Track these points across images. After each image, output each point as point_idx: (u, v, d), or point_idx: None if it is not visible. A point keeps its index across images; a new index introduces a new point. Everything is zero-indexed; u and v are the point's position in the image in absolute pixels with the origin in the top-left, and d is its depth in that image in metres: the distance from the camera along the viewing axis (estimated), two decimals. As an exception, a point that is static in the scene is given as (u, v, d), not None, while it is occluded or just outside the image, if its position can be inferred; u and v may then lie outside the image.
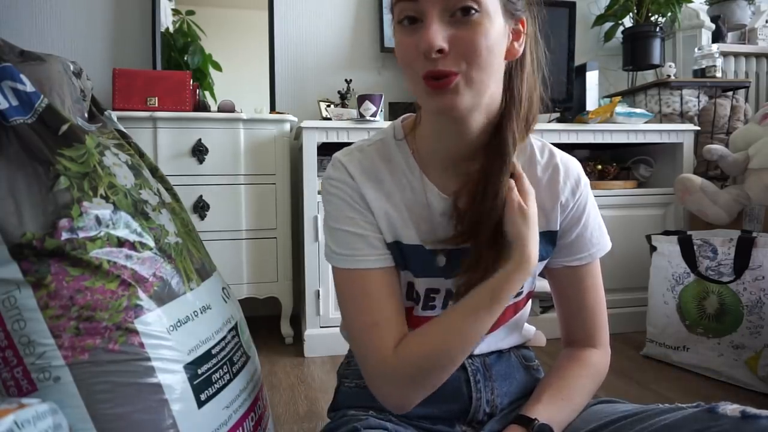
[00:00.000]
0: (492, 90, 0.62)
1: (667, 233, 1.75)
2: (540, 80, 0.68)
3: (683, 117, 2.19)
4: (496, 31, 0.59)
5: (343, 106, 2.01)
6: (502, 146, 0.63)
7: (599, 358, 0.73)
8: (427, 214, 0.68)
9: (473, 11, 0.57)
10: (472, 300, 0.61)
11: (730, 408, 0.52)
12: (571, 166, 0.73)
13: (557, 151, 0.74)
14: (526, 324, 0.80)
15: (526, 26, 0.64)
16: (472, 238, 0.64)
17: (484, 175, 0.63)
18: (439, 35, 0.56)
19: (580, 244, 0.72)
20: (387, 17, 2.26)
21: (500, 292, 0.61)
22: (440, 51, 0.56)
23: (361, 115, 1.79)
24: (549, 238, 0.71)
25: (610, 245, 0.74)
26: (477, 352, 0.72)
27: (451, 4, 0.57)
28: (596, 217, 0.75)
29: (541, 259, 0.69)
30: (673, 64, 2.26)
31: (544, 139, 0.75)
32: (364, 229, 0.67)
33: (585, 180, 0.74)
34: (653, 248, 1.75)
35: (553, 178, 0.71)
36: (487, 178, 0.63)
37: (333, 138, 1.76)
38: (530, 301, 0.78)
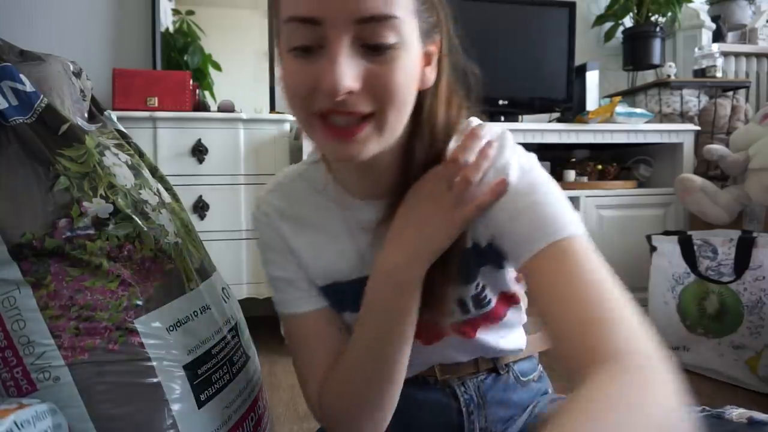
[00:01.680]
0: (401, 128, 0.53)
1: (667, 233, 1.75)
2: (462, 79, 0.59)
3: (683, 117, 2.19)
4: (413, 63, 0.50)
5: (343, 106, 2.01)
6: (413, 170, 0.56)
7: (615, 378, 0.40)
8: (356, 242, 0.61)
9: (388, 48, 0.46)
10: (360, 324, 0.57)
11: (737, 414, 0.50)
12: (502, 156, 0.56)
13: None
14: (524, 331, 0.73)
15: (441, 45, 0.55)
16: None
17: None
18: (348, 73, 0.45)
19: (526, 229, 0.52)
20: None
21: (367, 312, 0.56)
22: (349, 92, 0.46)
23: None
24: (480, 252, 0.58)
25: (577, 227, 0.51)
26: (470, 372, 0.68)
27: (365, 34, 0.46)
28: (545, 195, 0.53)
29: (467, 281, 0.59)
30: (673, 64, 2.26)
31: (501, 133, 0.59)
32: (286, 271, 0.63)
33: (518, 162, 0.55)
34: (653, 248, 1.74)
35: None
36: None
37: (333, 138, 1.76)
38: (521, 306, 0.70)
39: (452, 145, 0.57)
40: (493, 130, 0.58)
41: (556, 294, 0.48)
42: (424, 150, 0.56)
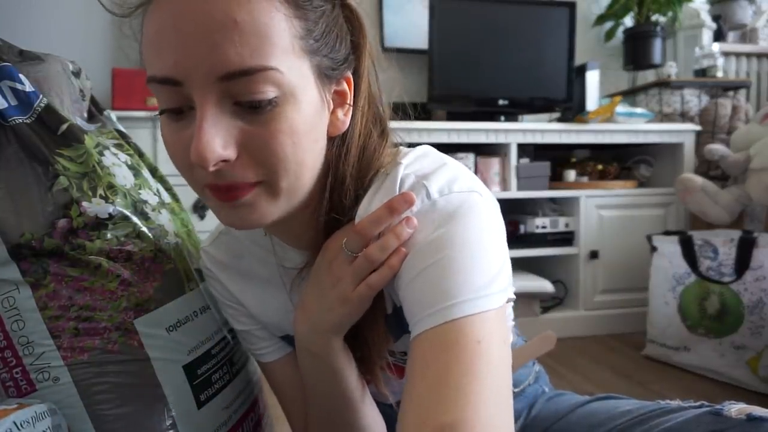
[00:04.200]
0: (306, 187, 0.46)
1: (667, 233, 1.75)
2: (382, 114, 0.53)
3: (684, 117, 2.19)
4: (306, 115, 0.42)
5: (344, 106, 2.01)
6: (329, 227, 0.50)
7: None
8: (291, 296, 0.58)
9: (267, 105, 0.39)
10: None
11: (735, 410, 0.50)
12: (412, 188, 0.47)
13: (406, 181, 0.48)
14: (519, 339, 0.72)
15: (354, 81, 0.48)
16: None
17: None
18: (217, 140, 0.39)
19: (417, 299, 0.43)
20: (387, 17, 2.26)
21: (302, 368, 0.55)
22: (224, 160, 0.40)
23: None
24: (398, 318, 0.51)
25: (484, 302, 0.41)
26: None
27: (235, 92, 0.39)
28: (460, 249, 0.42)
29: (402, 335, 0.54)
30: (673, 64, 2.26)
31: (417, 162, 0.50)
32: (243, 324, 0.63)
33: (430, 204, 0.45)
34: (654, 248, 1.74)
35: None
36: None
37: (333, 138, 1.76)
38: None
39: (368, 203, 0.48)
40: (416, 157, 0.50)
41: (414, 388, 0.39)
42: (334, 208, 0.49)
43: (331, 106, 0.46)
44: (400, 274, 0.45)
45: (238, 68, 0.38)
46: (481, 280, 0.41)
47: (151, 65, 0.41)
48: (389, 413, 0.60)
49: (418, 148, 0.53)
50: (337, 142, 0.48)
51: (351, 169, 0.48)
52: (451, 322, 0.39)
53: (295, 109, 0.41)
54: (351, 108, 0.48)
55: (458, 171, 0.48)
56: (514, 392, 0.69)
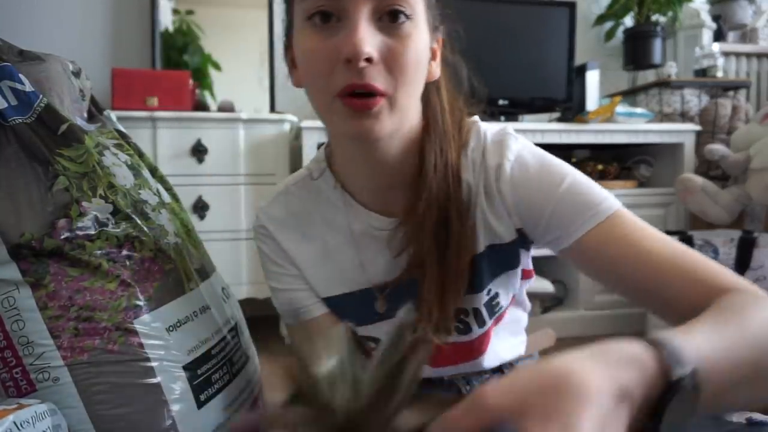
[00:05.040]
0: (412, 115, 0.54)
1: (668, 233, 1.75)
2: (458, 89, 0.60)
3: (684, 117, 2.19)
4: (424, 44, 0.51)
5: (344, 106, 2.01)
6: (426, 180, 0.54)
7: (744, 297, 0.43)
8: (359, 252, 0.60)
9: (404, 17, 0.48)
10: None
11: (736, 414, 0.50)
12: (497, 138, 0.57)
13: (488, 130, 0.59)
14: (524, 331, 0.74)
15: (443, 45, 0.57)
16: (421, 268, 0.55)
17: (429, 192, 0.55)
18: (369, 39, 0.47)
19: (572, 211, 0.53)
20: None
21: None
22: (368, 60, 0.47)
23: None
24: (500, 250, 0.58)
25: (612, 199, 0.53)
26: (476, 369, 0.67)
27: (384, 4, 0.48)
28: (565, 173, 0.55)
29: (479, 289, 0.58)
30: (673, 64, 2.26)
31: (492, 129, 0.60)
32: (288, 283, 0.64)
33: (514, 146, 0.56)
34: (654, 248, 1.74)
35: (485, 174, 0.57)
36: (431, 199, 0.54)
37: (333, 138, 1.76)
38: (524, 306, 0.71)
39: (465, 162, 0.56)
40: (494, 130, 0.59)
41: (634, 257, 0.49)
42: (433, 150, 0.55)
43: (429, 57, 0.54)
44: (532, 204, 0.54)
45: None
46: (600, 187, 0.55)
47: None
48: None
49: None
50: (432, 90, 0.57)
51: (445, 117, 0.57)
52: (616, 211, 0.52)
53: (418, 34, 0.50)
54: (440, 66, 0.57)
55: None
56: None
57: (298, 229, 0.63)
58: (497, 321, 0.66)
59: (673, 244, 0.50)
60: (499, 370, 0.69)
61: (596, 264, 0.53)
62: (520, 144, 0.57)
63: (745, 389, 0.36)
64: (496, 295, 0.62)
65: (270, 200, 0.66)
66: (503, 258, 0.60)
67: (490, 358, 0.67)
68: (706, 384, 0.31)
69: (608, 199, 0.53)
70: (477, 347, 0.64)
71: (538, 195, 0.54)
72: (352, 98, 0.48)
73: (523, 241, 0.59)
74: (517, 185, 0.55)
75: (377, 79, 0.48)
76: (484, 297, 0.61)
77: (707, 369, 0.32)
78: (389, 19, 0.48)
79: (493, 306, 0.62)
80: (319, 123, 1.90)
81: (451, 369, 0.66)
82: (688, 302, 0.45)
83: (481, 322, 0.62)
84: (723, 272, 0.46)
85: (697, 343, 0.33)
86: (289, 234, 0.63)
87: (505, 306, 0.65)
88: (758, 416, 0.49)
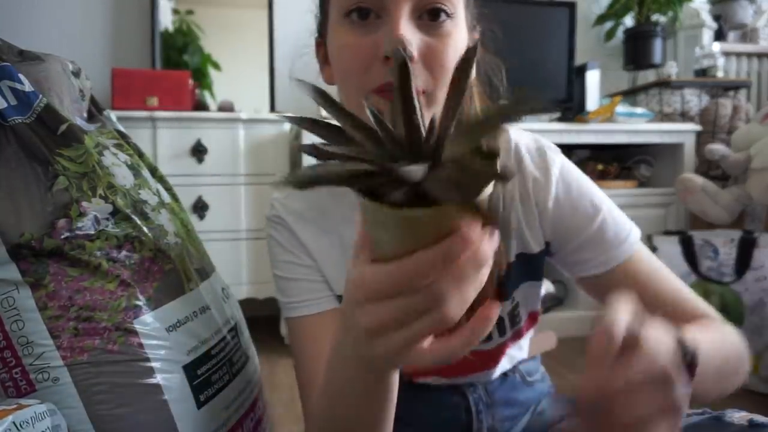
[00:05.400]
0: None
1: (668, 233, 1.75)
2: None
3: (684, 117, 2.18)
4: (463, 45, 0.50)
5: (344, 105, 2.01)
6: None
7: (713, 324, 0.58)
8: None
9: (445, 15, 0.48)
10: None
11: (738, 416, 0.50)
12: (535, 147, 0.61)
13: (521, 138, 0.62)
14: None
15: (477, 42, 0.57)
16: None
17: None
18: (410, 37, 0.46)
19: (592, 244, 0.58)
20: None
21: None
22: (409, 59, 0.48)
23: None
24: (528, 260, 0.60)
25: (635, 229, 0.60)
26: (483, 380, 0.67)
27: (425, 1, 0.47)
28: (600, 201, 0.59)
29: (505, 297, 0.59)
30: (674, 64, 2.26)
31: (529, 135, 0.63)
32: (297, 273, 0.62)
33: (557, 159, 0.60)
34: (654, 248, 1.74)
35: (521, 182, 0.59)
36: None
37: (333, 138, 1.76)
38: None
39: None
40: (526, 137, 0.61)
41: (654, 286, 0.59)
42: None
43: None
44: (568, 219, 0.58)
45: None
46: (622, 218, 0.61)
47: None
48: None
49: None
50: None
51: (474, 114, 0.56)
52: (639, 243, 0.59)
53: (458, 33, 0.49)
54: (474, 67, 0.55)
55: None
56: (527, 381, 0.71)
57: (316, 223, 0.62)
58: (515, 338, 0.66)
59: (674, 280, 0.61)
60: (503, 374, 0.69)
61: (611, 290, 0.56)
62: (560, 158, 0.60)
63: (713, 383, 0.49)
64: (518, 305, 0.63)
65: (287, 193, 0.65)
66: (530, 268, 0.61)
67: (498, 371, 0.67)
68: (699, 366, 0.40)
69: (632, 229, 0.59)
70: (493, 357, 0.64)
71: (576, 218, 0.58)
72: (391, 93, 0.47)
73: (547, 252, 0.62)
74: (560, 203, 0.58)
75: (417, 79, 0.47)
76: (508, 306, 0.61)
77: (700, 357, 0.41)
78: (429, 17, 0.47)
79: (514, 316, 0.63)
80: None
81: (461, 379, 0.66)
82: (677, 321, 0.49)
83: (502, 331, 0.63)
84: (701, 300, 0.60)
85: (697, 341, 0.43)
86: (307, 227, 0.62)
87: (524, 319, 0.65)
88: (759, 418, 0.49)
